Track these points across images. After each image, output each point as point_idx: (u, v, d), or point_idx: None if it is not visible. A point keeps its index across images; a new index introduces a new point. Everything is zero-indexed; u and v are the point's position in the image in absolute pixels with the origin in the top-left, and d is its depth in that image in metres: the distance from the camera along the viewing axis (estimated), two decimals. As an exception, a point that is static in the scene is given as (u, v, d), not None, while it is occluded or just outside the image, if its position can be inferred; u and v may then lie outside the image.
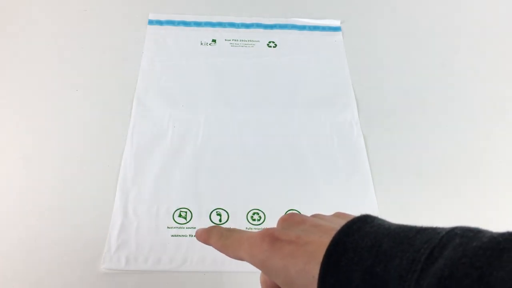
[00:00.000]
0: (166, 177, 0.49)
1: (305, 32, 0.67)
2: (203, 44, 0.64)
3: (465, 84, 0.62)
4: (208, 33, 0.65)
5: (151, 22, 0.66)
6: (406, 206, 0.49)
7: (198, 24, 0.66)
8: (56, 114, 0.54)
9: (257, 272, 0.45)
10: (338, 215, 0.24)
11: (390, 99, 0.60)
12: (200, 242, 0.44)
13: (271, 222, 0.47)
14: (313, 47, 0.65)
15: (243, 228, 0.46)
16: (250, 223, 0.47)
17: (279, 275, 0.21)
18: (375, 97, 0.60)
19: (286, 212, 0.48)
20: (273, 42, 0.65)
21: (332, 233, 0.19)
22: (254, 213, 0.47)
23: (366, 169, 0.52)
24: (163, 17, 0.66)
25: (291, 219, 0.23)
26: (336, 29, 0.68)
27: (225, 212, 0.47)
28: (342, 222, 0.20)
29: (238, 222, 0.46)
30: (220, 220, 0.46)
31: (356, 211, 0.51)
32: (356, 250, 0.18)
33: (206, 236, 0.26)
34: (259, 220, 0.47)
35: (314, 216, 0.24)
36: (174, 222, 0.46)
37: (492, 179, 0.52)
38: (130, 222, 0.46)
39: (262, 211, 0.48)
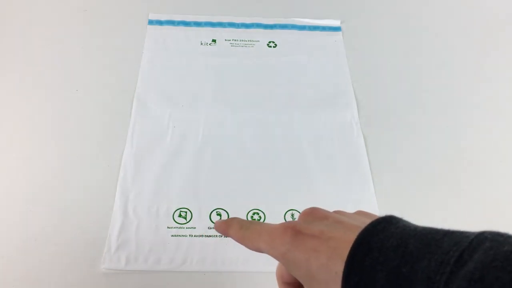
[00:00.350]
0: (166, 177, 0.49)
1: (305, 32, 0.67)
2: (203, 44, 0.64)
3: (465, 84, 0.62)
4: (208, 33, 0.65)
5: (151, 22, 0.66)
6: (406, 206, 0.49)
7: (198, 24, 0.66)
8: (56, 114, 0.54)
9: (257, 272, 0.45)
10: (360, 213, 0.24)
11: (390, 99, 0.60)
12: (199, 243, 0.44)
13: (271, 222, 0.46)
14: (313, 47, 0.65)
15: (243, 228, 0.46)
16: (250, 223, 0.47)
17: (299, 268, 0.20)
18: (375, 97, 0.60)
19: (286, 212, 0.48)
20: (273, 42, 0.65)
21: (356, 231, 0.19)
22: (254, 213, 0.47)
23: (366, 169, 0.52)
24: (163, 17, 0.66)
25: (314, 214, 0.23)
26: (336, 29, 0.68)
27: (225, 212, 0.47)
28: (366, 220, 0.20)
29: (238, 222, 0.46)
30: (220, 220, 0.46)
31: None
32: (382, 250, 0.18)
33: (225, 227, 0.26)
34: (259, 220, 0.47)
35: (336, 212, 0.24)
36: (174, 222, 0.46)
37: (492, 179, 0.52)
38: (130, 222, 0.46)
39: (262, 211, 0.48)
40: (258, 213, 0.47)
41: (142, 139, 0.52)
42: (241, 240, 0.25)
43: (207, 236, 0.45)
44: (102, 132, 0.53)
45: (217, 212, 0.47)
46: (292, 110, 0.57)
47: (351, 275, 0.18)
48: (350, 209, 0.50)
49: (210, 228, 0.46)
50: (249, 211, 0.47)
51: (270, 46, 0.65)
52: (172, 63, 0.61)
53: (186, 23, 0.66)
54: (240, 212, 0.47)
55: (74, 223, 0.45)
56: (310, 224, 0.22)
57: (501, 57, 0.66)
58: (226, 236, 0.26)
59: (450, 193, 0.50)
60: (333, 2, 0.72)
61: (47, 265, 0.43)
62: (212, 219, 0.47)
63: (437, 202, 0.50)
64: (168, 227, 0.46)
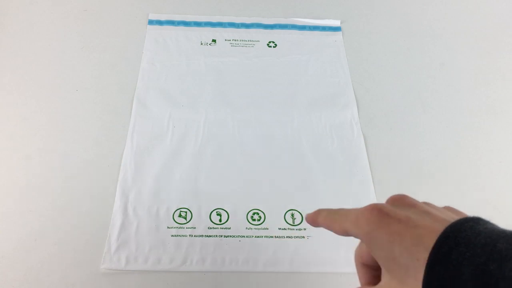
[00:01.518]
0: (166, 177, 0.49)
1: (305, 32, 0.67)
2: (203, 44, 0.64)
3: (464, 84, 0.62)
4: (208, 33, 0.65)
5: (151, 22, 0.66)
6: (406, 206, 0.49)
7: (198, 24, 0.66)
8: (56, 114, 0.54)
9: (256, 272, 0.45)
10: (449, 208, 0.24)
11: (390, 99, 0.60)
12: (199, 243, 0.44)
13: (271, 222, 0.47)
14: (313, 47, 0.65)
15: (243, 229, 0.46)
16: (250, 223, 0.47)
17: (381, 249, 0.21)
18: (375, 97, 0.60)
19: (286, 212, 0.48)
20: (273, 42, 0.65)
21: (444, 223, 0.19)
22: (254, 213, 0.47)
23: (366, 169, 0.52)
24: (163, 17, 0.66)
25: (402, 200, 0.23)
26: (336, 29, 0.68)
27: (225, 212, 0.47)
28: (454, 216, 0.20)
29: (238, 222, 0.46)
30: (220, 220, 0.46)
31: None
32: (469, 245, 0.18)
33: (315, 215, 0.27)
34: (259, 220, 0.47)
35: (424, 203, 0.24)
36: (174, 222, 0.46)
37: (492, 179, 0.52)
38: (130, 222, 0.46)
39: (262, 211, 0.48)
40: (258, 213, 0.47)
41: (142, 139, 0.52)
42: (329, 224, 0.25)
43: (207, 236, 0.45)
44: (102, 132, 0.53)
45: (217, 212, 0.47)
46: (292, 110, 0.57)
47: (437, 266, 0.18)
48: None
49: (210, 228, 0.46)
50: (249, 211, 0.47)
51: (270, 46, 0.65)
52: (172, 63, 0.61)
53: (186, 23, 0.66)
54: (240, 212, 0.47)
55: (74, 223, 0.45)
56: (398, 209, 0.22)
57: (501, 57, 0.66)
58: (315, 225, 0.27)
59: (450, 193, 0.50)
60: (333, 2, 0.72)
61: (47, 265, 0.43)
62: (212, 219, 0.47)
63: (437, 202, 0.49)
64: (168, 227, 0.46)
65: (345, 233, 0.24)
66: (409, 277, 0.19)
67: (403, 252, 0.19)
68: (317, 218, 0.26)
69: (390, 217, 0.21)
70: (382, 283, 0.21)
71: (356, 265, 0.26)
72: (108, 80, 0.58)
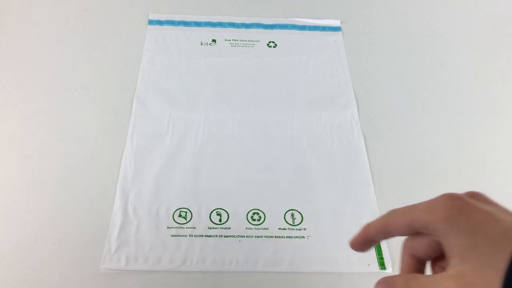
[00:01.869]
0: (166, 177, 0.49)
1: (305, 32, 0.67)
2: (203, 44, 0.64)
3: (464, 84, 0.62)
4: (208, 33, 0.65)
5: (151, 22, 0.66)
6: (406, 206, 0.49)
7: (198, 24, 0.66)
8: (56, 114, 0.54)
9: (256, 272, 0.45)
10: None
11: (390, 99, 0.60)
12: (199, 243, 0.44)
13: (271, 222, 0.47)
14: (313, 47, 0.65)
15: (243, 228, 0.46)
16: (250, 223, 0.47)
17: (461, 236, 0.20)
18: (375, 97, 0.60)
19: (286, 212, 0.48)
20: (273, 42, 0.65)
21: None
22: (254, 213, 0.47)
23: (366, 169, 0.52)
24: (163, 17, 0.66)
25: (479, 196, 0.23)
26: (336, 29, 0.68)
27: (225, 212, 0.47)
28: None
29: (238, 222, 0.46)
30: (220, 220, 0.46)
31: (356, 211, 0.51)
32: None
33: (365, 228, 0.25)
34: (259, 220, 0.47)
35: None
36: (174, 222, 0.46)
37: (492, 179, 0.52)
38: (130, 222, 0.46)
39: (262, 211, 0.47)
40: (258, 213, 0.47)
41: (142, 139, 0.52)
42: (388, 221, 0.24)
43: (207, 236, 0.45)
44: (102, 132, 0.53)
45: (217, 212, 0.47)
46: (292, 110, 0.57)
47: None
48: (350, 210, 0.51)
49: (210, 228, 0.46)
50: (249, 211, 0.47)
51: (270, 46, 0.65)
52: (172, 63, 0.61)
53: (186, 23, 0.66)
54: (240, 212, 0.47)
55: (74, 223, 0.45)
56: (477, 201, 0.22)
57: (501, 57, 0.66)
58: (367, 238, 0.25)
59: (450, 193, 0.50)
60: (333, 2, 0.72)
61: (47, 265, 0.43)
62: (212, 219, 0.46)
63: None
64: (168, 227, 0.46)
65: (409, 225, 0.23)
66: (489, 267, 0.19)
67: (487, 242, 0.19)
68: (369, 227, 0.25)
69: (473, 206, 0.21)
70: (452, 271, 0.20)
71: (403, 254, 0.25)
72: (108, 80, 0.58)
